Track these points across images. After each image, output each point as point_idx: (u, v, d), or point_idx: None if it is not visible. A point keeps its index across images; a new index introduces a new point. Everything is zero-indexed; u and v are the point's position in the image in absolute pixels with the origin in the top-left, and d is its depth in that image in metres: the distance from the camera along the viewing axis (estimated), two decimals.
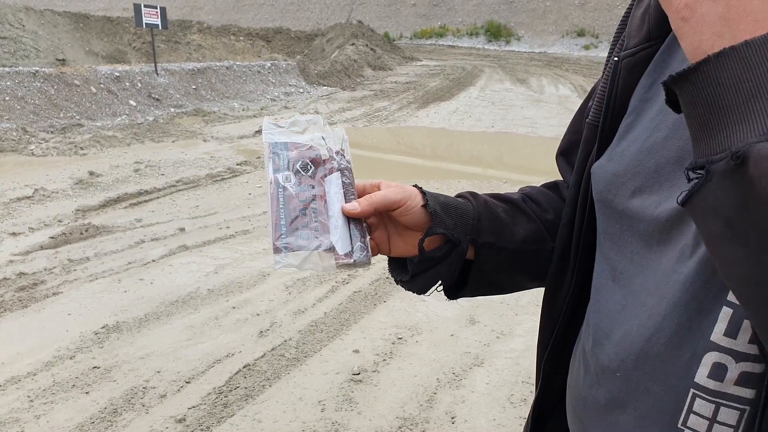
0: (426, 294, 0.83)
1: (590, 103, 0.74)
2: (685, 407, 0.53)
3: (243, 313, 3.44)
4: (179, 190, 5.82)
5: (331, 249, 0.71)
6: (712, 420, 0.51)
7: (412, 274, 0.79)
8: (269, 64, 13.92)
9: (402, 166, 7.19)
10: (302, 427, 2.51)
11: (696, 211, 0.42)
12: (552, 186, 0.91)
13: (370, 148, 8.01)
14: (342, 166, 0.78)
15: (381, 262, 3.61)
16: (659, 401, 0.55)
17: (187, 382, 2.78)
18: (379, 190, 0.78)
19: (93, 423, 2.48)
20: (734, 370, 0.50)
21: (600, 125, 0.68)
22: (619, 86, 0.65)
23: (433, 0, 36.88)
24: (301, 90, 13.52)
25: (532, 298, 3.63)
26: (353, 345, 3.13)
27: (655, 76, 0.62)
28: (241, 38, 20.65)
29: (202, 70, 12.15)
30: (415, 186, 0.79)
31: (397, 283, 0.83)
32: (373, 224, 0.80)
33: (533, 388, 2.80)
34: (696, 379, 0.52)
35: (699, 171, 0.40)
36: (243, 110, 11.04)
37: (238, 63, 13.51)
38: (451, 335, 3.25)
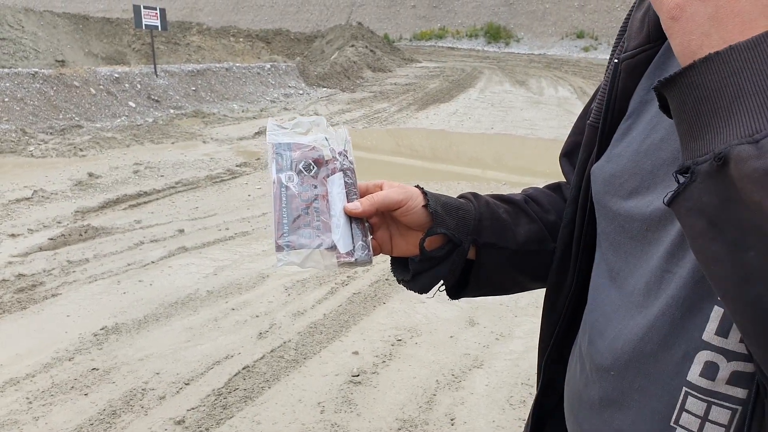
0: (427, 294, 0.84)
1: (592, 105, 0.75)
2: (678, 405, 0.53)
3: (242, 315, 3.43)
4: (178, 192, 5.81)
5: (333, 248, 0.71)
6: (704, 418, 0.51)
7: (413, 273, 0.79)
8: (269, 66, 13.92)
9: (401, 167, 7.19)
10: (301, 428, 2.50)
11: (680, 211, 0.43)
12: (555, 187, 0.91)
13: (369, 150, 8.01)
14: (345, 166, 0.78)
15: (381, 264, 3.61)
16: (652, 399, 0.55)
17: (186, 384, 2.77)
18: (382, 190, 0.78)
19: (92, 425, 2.48)
20: (726, 369, 0.50)
21: (600, 127, 0.68)
22: (619, 88, 0.66)
23: (432, 2, 36.92)
24: (301, 91, 13.52)
25: (532, 300, 3.63)
26: (352, 347, 3.12)
27: (653, 78, 0.62)
28: (241, 40, 20.66)
29: (201, 71, 12.15)
30: (417, 186, 0.80)
31: (399, 283, 0.84)
32: (375, 224, 0.80)
33: (533, 390, 2.81)
34: (688, 378, 0.52)
35: (686, 173, 0.41)
36: (242, 112, 11.04)
37: (237, 64, 13.52)
38: (451, 337, 3.24)
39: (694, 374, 0.52)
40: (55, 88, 9.29)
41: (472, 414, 2.60)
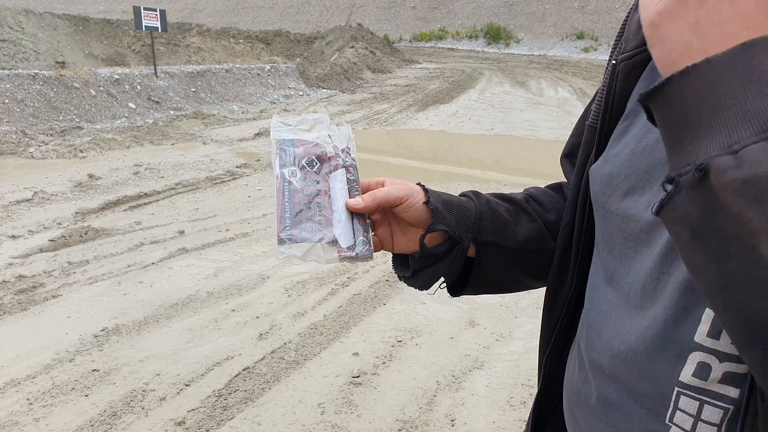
0: (428, 291, 0.84)
1: (592, 106, 0.76)
2: (671, 404, 0.54)
3: (242, 316, 3.43)
4: (179, 193, 5.82)
5: (334, 242, 0.72)
6: (697, 417, 0.52)
7: (413, 269, 0.81)
8: (269, 67, 13.93)
9: (402, 168, 7.19)
10: (302, 429, 2.50)
11: (667, 221, 0.44)
12: (556, 187, 0.92)
13: (369, 151, 8.02)
14: (347, 163, 0.79)
15: (381, 265, 3.62)
16: (646, 398, 0.56)
17: (186, 385, 2.77)
18: (383, 187, 0.79)
19: (92, 426, 2.48)
20: (718, 369, 0.51)
21: (598, 127, 0.69)
22: (617, 89, 0.67)
23: (432, 3, 36.95)
24: (301, 93, 13.53)
25: (532, 301, 3.63)
26: (353, 348, 3.13)
27: (651, 79, 0.63)
28: (241, 41, 20.67)
29: (201, 72, 12.16)
30: (419, 184, 0.81)
31: (400, 279, 0.85)
32: (377, 221, 0.81)
33: (533, 391, 2.82)
34: (681, 378, 0.53)
35: (671, 183, 0.42)
36: (242, 113, 11.05)
37: (237, 66, 13.53)
38: (451, 338, 3.25)
39: (687, 374, 0.53)
40: (55, 90, 9.30)
41: (472, 415, 2.60)
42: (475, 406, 2.66)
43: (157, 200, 5.57)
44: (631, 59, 0.65)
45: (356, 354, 3.07)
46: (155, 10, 11.53)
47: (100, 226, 4.77)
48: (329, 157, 0.78)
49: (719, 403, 0.51)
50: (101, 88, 9.98)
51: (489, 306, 3.56)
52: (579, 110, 11.68)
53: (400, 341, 3.20)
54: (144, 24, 11.27)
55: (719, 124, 0.38)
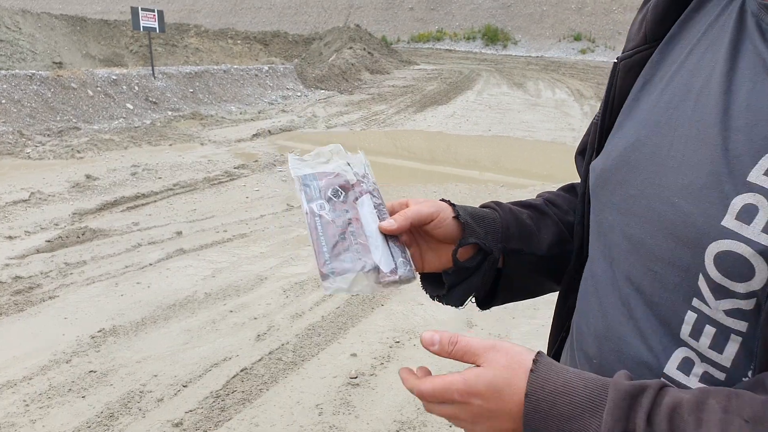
0: (462, 307, 0.85)
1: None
2: None
3: (240, 317, 3.43)
4: (176, 194, 5.81)
5: (376, 268, 0.72)
6: None
7: (449, 286, 0.81)
8: (267, 68, 13.93)
9: (399, 169, 7.20)
10: (300, 431, 2.50)
11: None
12: (569, 188, 0.94)
13: (367, 152, 7.96)
14: (370, 188, 0.80)
15: None
16: None
17: (184, 386, 2.77)
18: (408, 207, 0.79)
19: (89, 427, 2.47)
20: (699, 367, 0.56)
21: (599, 124, 0.72)
22: (617, 87, 0.69)
23: (430, 4, 36.99)
24: (299, 93, 13.53)
25: (529, 302, 3.63)
26: (351, 349, 3.12)
27: (647, 76, 0.66)
28: (239, 42, 20.66)
29: (199, 73, 12.15)
30: (443, 200, 0.81)
31: (434, 299, 0.85)
32: (405, 242, 0.80)
33: None
34: (665, 370, 0.57)
35: None
36: (240, 114, 11.04)
37: (235, 66, 13.52)
38: None
39: (671, 368, 0.56)
40: (52, 90, 9.28)
41: None
42: None
43: (155, 201, 5.57)
44: (630, 58, 0.68)
45: (354, 355, 3.06)
46: (153, 11, 11.52)
47: (98, 226, 4.76)
48: (352, 185, 0.79)
49: None
50: (99, 88, 9.97)
51: None
52: (576, 111, 11.70)
53: (398, 342, 3.20)
54: (142, 24, 11.26)
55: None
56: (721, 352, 0.54)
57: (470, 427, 0.58)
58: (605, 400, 0.51)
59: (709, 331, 0.54)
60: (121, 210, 5.27)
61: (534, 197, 0.92)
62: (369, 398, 2.72)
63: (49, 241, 4.38)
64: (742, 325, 0.52)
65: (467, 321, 3.43)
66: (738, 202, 0.51)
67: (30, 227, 4.72)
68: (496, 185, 6.38)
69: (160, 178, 6.34)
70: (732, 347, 0.53)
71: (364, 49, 18.96)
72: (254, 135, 8.83)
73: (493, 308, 0.89)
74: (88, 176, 6.19)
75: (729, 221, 0.51)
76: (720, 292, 0.52)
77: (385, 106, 12.16)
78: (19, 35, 14.67)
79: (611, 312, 0.64)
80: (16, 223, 4.80)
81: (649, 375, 0.58)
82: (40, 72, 9.72)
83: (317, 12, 39.83)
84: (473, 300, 0.87)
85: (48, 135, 8.14)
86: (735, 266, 0.51)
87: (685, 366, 0.56)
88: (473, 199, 5.87)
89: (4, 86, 8.77)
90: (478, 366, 0.58)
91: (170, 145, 8.05)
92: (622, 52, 0.70)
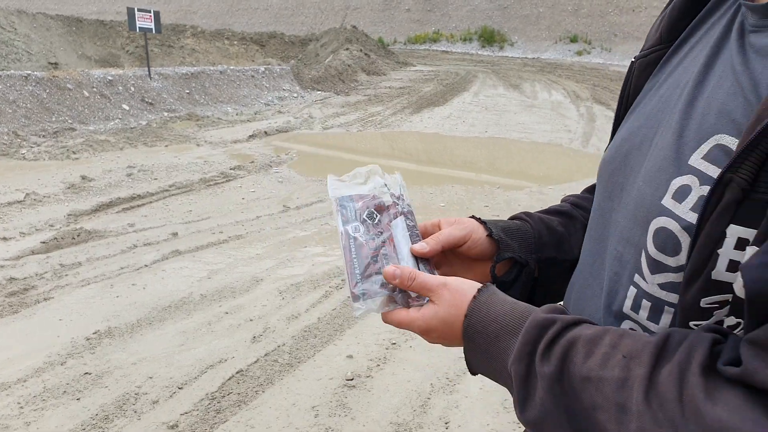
0: None
1: None
2: None
3: (236, 319, 3.42)
4: (172, 195, 5.79)
5: (406, 291, 0.74)
6: None
7: None
8: (263, 69, 13.92)
9: (396, 170, 7.18)
10: None
11: None
12: (592, 188, 0.97)
13: (364, 153, 8.02)
14: (404, 210, 0.81)
15: None
16: None
17: (179, 388, 2.76)
18: (440, 228, 0.83)
19: (84, 430, 2.46)
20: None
21: (614, 120, 0.77)
22: (632, 85, 0.74)
23: (427, 5, 37.03)
24: (295, 94, 13.52)
25: None
26: (347, 350, 3.12)
27: (660, 75, 0.70)
28: (235, 43, 20.63)
29: (195, 74, 12.13)
30: (472, 217, 0.84)
31: None
32: (437, 262, 0.83)
33: None
34: None
35: None
36: (237, 115, 11.02)
37: (231, 67, 13.50)
38: None
39: (624, 328, 0.62)
40: (47, 91, 9.25)
41: (466, 417, 2.60)
42: (469, 409, 2.66)
43: (151, 202, 5.55)
44: (646, 57, 0.73)
45: (350, 356, 3.06)
46: (149, 12, 11.49)
47: (93, 228, 4.74)
48: (387, 207, 0.81)
49: None
50: (94, 89, 9.93)
51: None
52: (572, 113, 11.73)
53: (394, 344, 3.20)
54: (138, 25, 11.24)
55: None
56: (657, 323, 0.60)
57: (433, 341, 0.71)
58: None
59: (646, 304, 0.60)
60: (117, 211, 5.26)
61: (560, 202, 0.96)
62: (365, 400, 2.71)
63: (44, 243, 4.36)
64: (674, 298, 0.58)
65: None
66: (677, 182, 0.56)
67: (25, 228, 4.70)
68: (492, 187, 6.39)
69: (155, 179, 6.33)
70: (666, 318, 0.59)
71: (361, 50, 18.96)
72: (250, 136, 8.81)
73: None
74: (83, 177, 6.17)
75: (667, 200, 0.57)
76: (655, 266, 0.58)
77: (382, 107, 12.17)
78: (14, 36, 14.61)
79: (586, 292, 0.72)
80: (11, 224, 4.78)
81: None
82: (35, 72, 9.68)
83: (314, 13, 39.82)
84: None
85: (43, 136, 8.11)
86: (667, 241, 0.56)
87: None
88: (469, 200, 5.87)
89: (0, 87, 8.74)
90: (432, 302, 0.68)
91: (166, 146, 8.04)
92: (640, 52, 0.75)
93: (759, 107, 0.49)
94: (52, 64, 14.44)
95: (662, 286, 0.58)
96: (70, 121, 8.99)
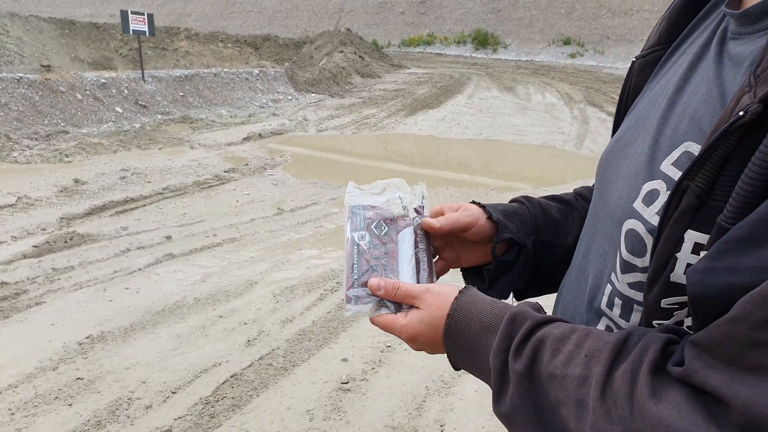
0: (506, 298, 0.91)
1: None
2: None
3: (230, 323, 3.40)
4: (166, 198, 5.77)
5: (398, 304, 0.76)
6: None
7: (489, 281, 0.89)
8: (257, 71, 13.89)
9: (391, 173, 7.19)
10: None
11: None
12: None
13: (358, 156, 8.01)
14: (417, 222, 0.84)
15: None
16: None
17: (173, 393, 2.74)
18: (443, 213, 0.87)
19: None
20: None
21: (614, 119, 0.79)
22: (632, 84, 0.76)
23: (421, 8, 37.10)
24: (290, 97, 13.50)
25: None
26: (342, 353, 3.11)
27: (656, 76, 0.72)
28: (229, 45, 20.59)
29: (189, 77, 12.10)
30: (473, 202, 0.88)
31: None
32: (440, 246, 0.89)
33: None
34: None
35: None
36: (231, 117, 10.99)
37: (225, 70, 13.47)
38: None
39: (591, 327, 0.65)
40: (40, 94, 9.19)
41: (461, 420, 2.60)
42: (464, 411, 2.65)
43: (144, 205, 5.52)
44: (645, 57, 0.74)
45: (345, 360, 3.05)
46: (143, 14, 11.45)
47: (86, 231, 4.71)
48: (396, 219, 0.84)
49: None
50: (87, 92, 9.89)
51: None
52: (566, 115, 11.76)
53: (389, 346, 3.19)
54: (131, 28, 11.19)
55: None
56: (628, 320, 0.63)
57: (418, 348, 0.74)
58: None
59: (618, 302, 0.63)
60: (110, 214, 5.23)
61: (569, 192, 0.99)
62: (360, 403, 2.70)
63: (36, 247, 4.32)
64: (641, 297, 0.60)
65: None
66: (647, 186, 0.58)
67: (16, 232, 4.66)
68: (486, 189, 6.39)
69: (149, 182, 6.30)
70: (635, 316, 0.62)
71: (355, 52, 18.97)
72: (245, 139, 8.79)
73: None
74: (76, 180, 6.13)
75: (637, 203, 0.59)
76: (626, 266, 0.61)
77: (376, 109, 12.17)
78: (6, 38, 14.53)
79: (575, 286, 0.74)
80: (3, 228, 4.74)
81: None
82: (27, 75, 9.63)
83: (308, 16, 39.82)
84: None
85: (35, 139, 8.05)
86: (635, 243, 0.59)
87: (608, 330, 0.65)
88: (464, 202, 5.87)
89: None
90: (417, 308, 0.70)
91: (160, 148, 8.00)
92: (641, 51, 0.76)
93: (719, 116, 0.50)
94: (44, 66, 14.37)
95: (631, 285, 0.61)
96: (62, 124, 8.94)
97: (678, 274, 0.53)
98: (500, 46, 32.33)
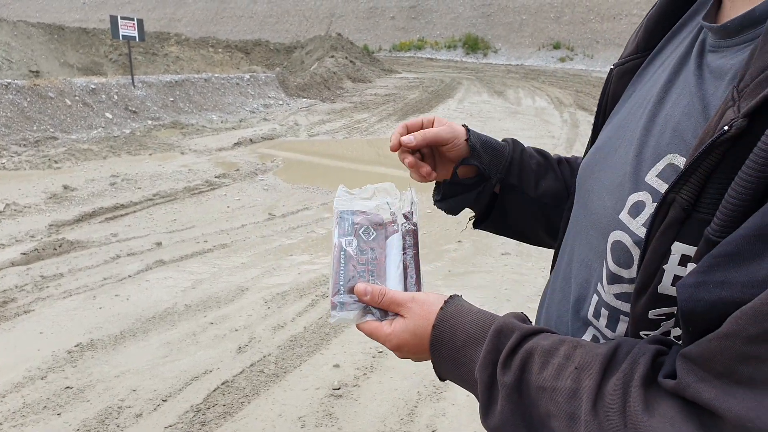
0: (455, 215, 0.98)
1: None
2: None
3: (221, 329, 3.39)
4: (156, 204, 5.74)
5: (384, 312, 0.76)
6: None
7: (443, 195, 0.94)
8: (248, 76, 13.87)
9: (382, 177, 7.19)
10: None
11: None
12: None
13: (350, 160, 8.02)
14: (405, 228, 0.84)
15: None
16: None
17: (163, 401, 2.72)
18: (433, 125, 0.90)
19: None
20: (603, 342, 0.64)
21: (593, 126, 0.80)
22: (611, 92, 0.76)
23: (411, 13, 37.24)
24: (281, 102, 13.49)
25: (511, 308, 3.64)
26: (333, 359, 3.10)
27: (635, 84, 0.72)
28: (220, 50, 20.55)
29: (180, 82, 12.06)
30: (464, 126, 0.91)
31: (435, 204, 0.99)
32: (426, 153, 0.94)
33: None
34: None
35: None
36: (221, 122, 10.97)
37: (216, 75, 13.44)
38: None
39: (579, 338, 0.65)
40: (28, 99, 9.13)
41: (453, 425, 2.60)
42: (456, 416, 2.65)
43: (134, 211, 5.49)
44: (624, 65, 0.74)
45: (337, 366, 3.04)
46: (132, 19, 11.41)
47: (75, 238, 4.67)
48: (385, 224, 0.84)
49: None
50: (77, 97, 9.83)
51: None
52: (556, 119, 11.84)
53: (381, 352, 3.19)
54: (121, 33, 11.15)
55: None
56: (614, 330, 0.63)
57: (403, 357, 0.73)
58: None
59: (605, 312, 0.64)
60: (100, 221, 5.19)
61: (556, 153, 1.01)
62: (352, 409, 2.70)
63: (24, 254, 4.29)
64: (628, 307, 0.60)
65: None
66: (633, 198, 0.58)
67: (4, 239, 4.62)
68: None
69: (139, 188, 6.26)
70: (622, 326, 0.62)
71: (346, 57, 19.00)
72: (235, 144, 8.77)
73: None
74: (65, 187, 6.09)
75: (623, 215, 0.59)
76: (612, 277, 0.61)
77: (368, 114, 12.19)
78: None
79: (557, 295, 0.75)
80: None
81: None
82: (16, 81, 9.55)
83: (298, 21, 39.84)
84: (471, 220, 1.00)
85: (24, 145, 7.99)
86: (622, 254, 0.59)
87: (595, 341, 0.66)
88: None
89: None
90: (402, 316, 0.70)
91: (150, 154, 7.97)
92: (619, 59, 0.77)
93: (703, 129, 0.51)
94: (33, 72, 14.27)
95: (618, 296, 0.61)
96: (51, 129, 8.88)
97: (665, 286, 0.53)
98: (490, 51, 32.50)
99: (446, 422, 2.61)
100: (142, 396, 2.75)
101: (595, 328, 0.66)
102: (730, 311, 0.44)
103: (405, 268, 0.79)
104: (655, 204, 0.55)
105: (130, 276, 4.06)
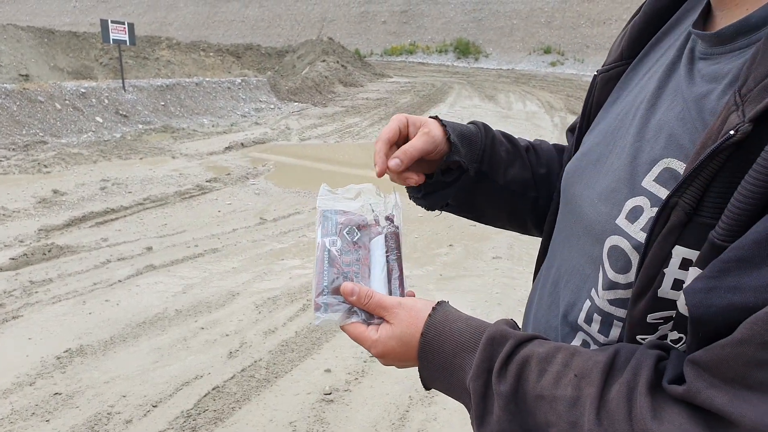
0: (434, 210, 0.96)
1: None
2: None
3: (212, 334, 3.38)
4: (147, 209, 5.71)
5: (369, 314, 0.75)
6: None
7: (424, 192, 0.91)
8: (239, 81, 13.86)
9: (374, 181, 7.19)
10: None
11: None
12: (560, 148, 1.00)
13: (342, 164, 8.02)
14: (388, 231, 0.83)
15: None
16: None
17: (153, 406, 2.71)
18: (407, 128, 0.86)
19: None
20: (594, 347, 0.65)
21: (576, 132, 0.80)
22: (595, 98, 0.76)
23: (402, 17, 37.36)
24: (272, 106, 13.48)
25: (502, 313, 3.66)
26: (325, 364, 3.10)
27: (620, 91, 0.72)
28: (211, 54, 20.52)
29: (171, 86, 12.02)
30: (435, 118, 0.88)
31: (411, 199, 0.96)
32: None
33: None
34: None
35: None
36: (213, 126, 10.94)
37: (207, 79, 13.42)
38: None
39: (576, 345, 0.65)
40: (18, 104, 9.06)
41: (444, 429, 2.60)
42: (447, 421, 2.66)
43: (125, 216, 5.46)
44: (608, 72, 0.75)
45: (328, 370, 3.04)
46: (123, 23, 11.37)
47: (65, 243, 4.64)
48: (369, 226, 0.82)
49: None
50: (67, 101, 9.77)
51: None
52: (547, 123, 11.91)
53: (372, 357, 3.19)
54: (111, 37, 11.10)
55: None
56: (607, 336, 0.63)
57: (388, 364, 0.72)
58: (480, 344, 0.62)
59: (597, 318, 0.63)
60: (90, 225, 5.16)
61: (526, 140, 1.00)
62: (343, 414, 2.69)
63: (13, 259, 4.25)
64: (622, 312, 0.60)
65: None
66: (630, 203, 0.59)
67: None
68: None
69: (130, 192, 6.23)
70: (615, 331, 0.62)
71: (338, 61, 19.02)
72: (227, 148, 8.75)
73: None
74: (55, 191, 6.04)
75: (621, 220, 0.59)
76: (608, 283, 0.61)
77: (359, 118, 12.20)
78: None
79: (545, 300, 0.75)
80: None
81: None
82: (5, 85, 9.49)
83: (290, 25, 39.85)
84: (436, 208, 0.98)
85: (13, 149, 7.93)
86: (619, 259, 0.59)
87: (585, 345, 0.66)
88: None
89: None
90: (388, 322, 0.69)
91: (141, 158, 7.93)
92: (602, 66, 0.77)
93: (704, 135, 0.51)
94: (23, 76, 14.17)
95: (612, 302, 0.61)
96: (41, 134, 8.82)
97: (665, 290, 0.53)
98: (481, 55, 32.66)
99: (437, 426, 2.62)
100: (132, 402, 2.74)
101: (586, 333, 0.65)
102: (741, 316, 0.43)
103: (389, 271, 0.78)
104: (654, 208, 0.55)
105: (120, 281, 4.04)
